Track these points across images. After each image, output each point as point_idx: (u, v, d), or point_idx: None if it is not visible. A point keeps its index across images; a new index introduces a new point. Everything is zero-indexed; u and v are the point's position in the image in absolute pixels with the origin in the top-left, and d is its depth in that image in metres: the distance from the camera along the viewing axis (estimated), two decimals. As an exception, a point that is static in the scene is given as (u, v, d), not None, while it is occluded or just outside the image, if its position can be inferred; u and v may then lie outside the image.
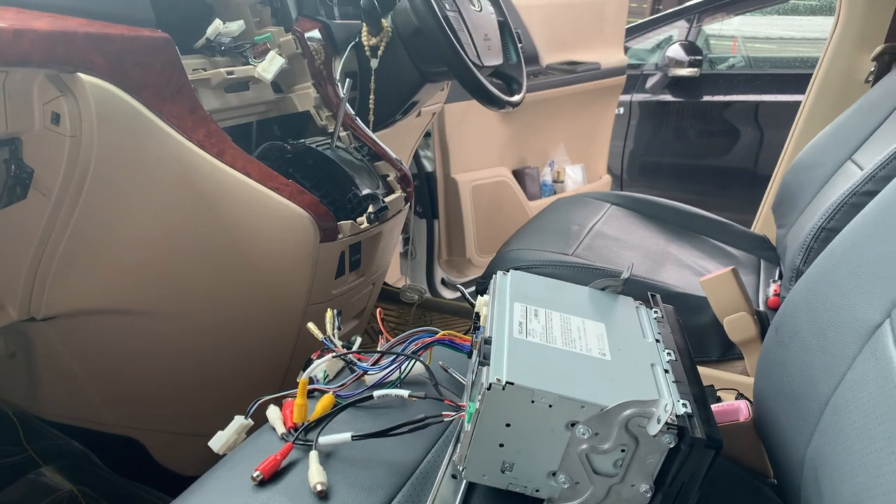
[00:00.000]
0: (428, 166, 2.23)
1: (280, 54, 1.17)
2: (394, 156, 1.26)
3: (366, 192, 1.12)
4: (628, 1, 2.77)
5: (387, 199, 1.14)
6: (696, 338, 1.17)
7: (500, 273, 0.81)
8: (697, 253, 1.51)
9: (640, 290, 1.26)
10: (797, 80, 3.44)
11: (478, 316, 0.78)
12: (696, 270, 1.41)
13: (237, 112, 1.15)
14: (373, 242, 1.14)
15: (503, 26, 1.56)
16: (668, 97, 3.55)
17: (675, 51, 3.42)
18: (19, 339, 1.14)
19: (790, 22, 4.41)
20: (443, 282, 2.38)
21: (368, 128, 1.43)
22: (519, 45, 1.60)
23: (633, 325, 0.75)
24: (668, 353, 0.70)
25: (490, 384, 0.59)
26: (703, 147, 3.54)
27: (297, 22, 1.27)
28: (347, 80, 1.16)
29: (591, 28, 2.60)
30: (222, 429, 0.75)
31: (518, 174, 2.45)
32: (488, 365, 0.63)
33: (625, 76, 2.75)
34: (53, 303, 1.00)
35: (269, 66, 1.12)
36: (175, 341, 1.07)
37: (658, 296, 0.81)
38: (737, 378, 1.14)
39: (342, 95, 1.16)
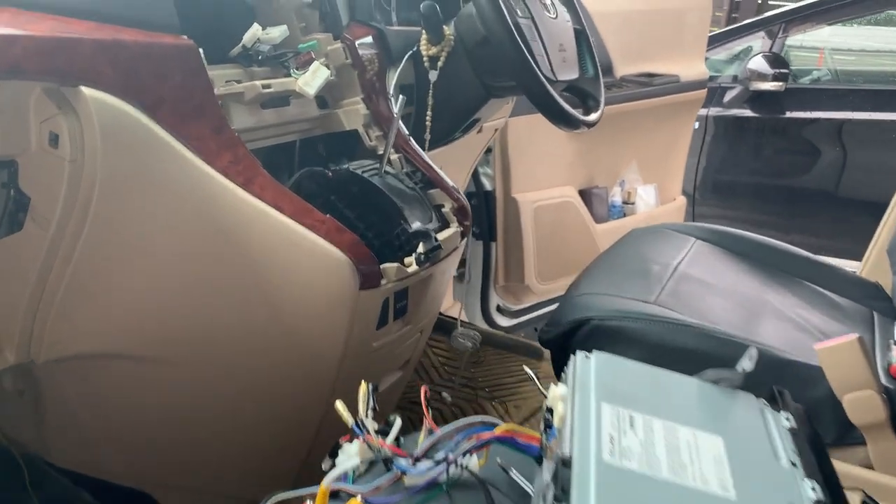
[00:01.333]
0: (487, 184, 2.06)
1: (326, 65, 1.02)
2: (450, 183, 1.10)
3: (416, 227, 0.96)
4: (712, 9, 2.55)
5: (440, 236, 0.98)
6: (811, 415, 0.97)
7: (580, 355, 0.63)
8: (798, 301, 1.30)
9: (737, 352, 1.07)
10: (893, 96, 3.16)
11: (550, 411, 0.61)
12: (798, 325, 1.20)
13: (275, 130, 1.01)
14: (422, 286, 0.97)
15: (580, 35, 1.38)
16: (748, 112, 3.30)
17: (758, 63, 3.16)
18: (27, 378, 1.02)
19: (885, 34, 4.08)
20: (498, 308, 2.21)
21: (424, 147, 1.27)
22: (596, 57, 1.42)
23: (759, 441, 0.56)
24: (812, 488, 0.51)
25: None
26: (783, 166, 3.29)
27: (348, 28, 1.12)
28: (401, 96, 1.00)
29: (670, 38, 2.39)
30: (237, 491, 0.60)
31: (585, 194, 2.26)
32: (567, 502, 0.46)
33: (705, 90, 2.52)
34: (55, 346, 0.87)
35: (313, 80, 0.98)
36: (190, 392, 0.92)
37: (787, 394, 0.63)
38: (859, 472, 0.93)
39: (395, 113, 1.00)
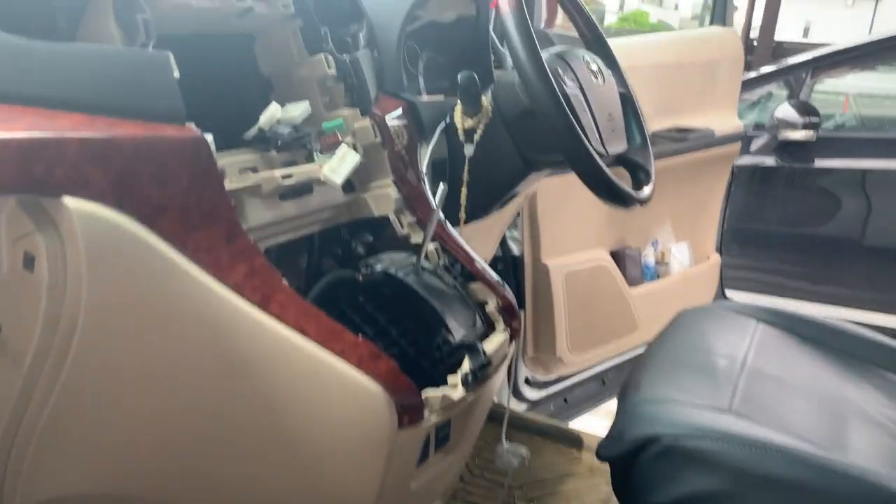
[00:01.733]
0: (514, 249, 1.92)
1: (354, 146, 0.90)
2: (495, 277, 0.96)
3: (460, 337, 0.82)
4: (744, 59, 2.44)
5: (488, 347, 0.84)
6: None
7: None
8: (883, 399, 1.14)
9: (830, 480, 0.91)
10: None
11: None
12: (891, 431, 1.04)
13: (295, 223, 0.88)
14: (468, 409, 0.83)
15: (625, 100, 1.25)
16: (776, 161, 3.19)
17: (786, 111, 3.05)
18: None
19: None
20: (527, 381, 2.05)
21: (458, 225, 1.14)
22: (645, 124, 1.29)
23: None
24: None
25: None
26: (809, 214, 3.17)
27: (376, 102, 1.00)
28: (442, 185, 0.87)
29: (702, 90, 2.28)
30: None
31: (617, 256, 2.12)
32: None
33: (739, 143, 2.40)
34: (33, 491, 0.73)
35: (340, 166, 0.84)
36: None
37: None
38: None
39: (434, 204, 0.87)
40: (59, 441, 0.68)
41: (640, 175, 1.21)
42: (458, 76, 1.04)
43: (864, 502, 0.87)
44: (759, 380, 1.09)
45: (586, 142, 1.00)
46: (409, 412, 0.70)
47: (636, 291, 2.10)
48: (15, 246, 0.60)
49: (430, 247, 0.94)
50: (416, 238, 0.97)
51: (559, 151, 1.03)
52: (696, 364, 1.12)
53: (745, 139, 3.22)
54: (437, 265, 0.92)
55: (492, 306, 0.93)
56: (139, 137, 0.63)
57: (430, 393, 0.74)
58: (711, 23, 2.43)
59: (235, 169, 0.81)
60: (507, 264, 1.90)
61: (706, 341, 1.21)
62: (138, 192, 0.62)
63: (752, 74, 3.22)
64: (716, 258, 2.50)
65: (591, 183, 1.03)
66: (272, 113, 0.84)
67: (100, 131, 0.61)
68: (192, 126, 0.70)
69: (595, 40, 1.26)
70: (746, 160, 3.14)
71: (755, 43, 5.99)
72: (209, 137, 0.74)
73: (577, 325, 1.94)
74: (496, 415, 1.45)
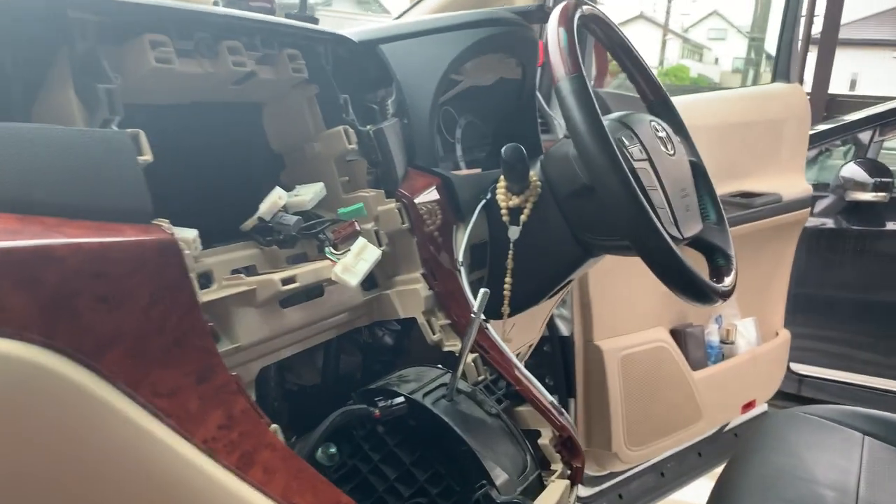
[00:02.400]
0: (563, 329, 1.72)
1: (377, 234, 0.73)
2: (549, 399, 0.77)
3: (504, 492, 0.63)
4: (810, 117, 2.24)
5: (543, 500, 0.64)
6: None
7: None
8: None
9: None
10: None
11: None
12: None
13: (300, 334, 0.71)
14: (517, 586, 0.63)
15: (697, 171, 1.08)
16: (844, 224, 2.97)
17: (853, 170, 2.85)
18: None
19: None
20: (578, 478, 1.82)
21: (500, 319, 0.96)
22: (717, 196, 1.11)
23: None
24: None
25: None
26: (879, 279, 2.95)
27: (406, 179, 0.84)
28: (483, 290, 0.70)
29: (768, 151, 2.09)
30: None
31: (677, 335, 1.90)
32: None
33: (809, 209, 2.19)
34: None
35: (356, 264, 0.68)
36: None
37: None
38: None
39: (474, 311, 0.69)
40: None
41: (718, 260, 1.02)
42: (503, 150, 0.87)
43: None
44: (881, 522, 0.87)
45: (659, 224, 0.82)
46: None
47: (700, 375, 1.87)
48: None
49: (469, 359, 0.76)
50: (450, 345, 0.80)
51: (625, 236, 0.85)
52: (797, 499, 0.90)
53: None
54: (477, 386, 0.74)
55: (546, 438, 0.74)
56: (84, 245, 0.48)
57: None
58: (774, 79, 2.25)
59: (227, 269, 0.65)
60: (555, 345, 1.71)
61: (805, 464, 1.00)
62: (77, 321, 0.46)
63: (816, 130, 3.02)
64: (785, 334, 2.26)
65: (666, 275, 0.85)
66: (275, 198, 0.68)
67: (27, 240, 0.46)
68: (162, 224, 0.54)
69: (660, 103, 1.09)
70: (809, 222, 2.92)
71: (808, 97, 5.79)
72: (191, 234, 0.59)
73: (635, 416, 1.72)
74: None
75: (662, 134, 0.97)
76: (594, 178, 0.81)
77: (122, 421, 0.47)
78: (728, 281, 0.97)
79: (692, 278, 0.86)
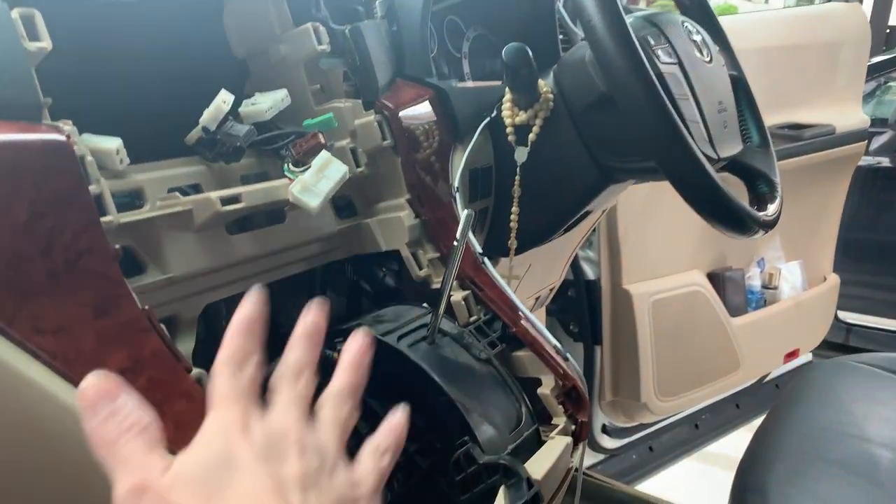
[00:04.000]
0: (589, 272, 1.60)
1: (354, 152, 0.62)
2: (553, 342, 0.66)
3: (488, 450, 0.52)
4: (871, 41, 2.03)
5: (536, 469, 0.54)
6: None
7: None
8: None
9: None
10: None
11: None
12: None
13: (257, 266, 0.60)
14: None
15: (738, 85, 0.93)
16: (899, 161, 2.78)
17: (915, 104, 2.62)
18: None
19: None
20: (604, 429, 1.73)
21: (509, 256, 0.85)
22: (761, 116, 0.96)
23: None
24: None
25: None
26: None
27: (389, 88, 0.72)
28: (465, 211, 0.58)
29: (822, 78, 1.90)
30: None
31: (715, 279, 1.76)
32: None
33: (865, 142, 2.00)
34: None
35: (318, 183, 0.57)
36: None
37: None
38: None
39: (457, 237, 0.58)
40: None
41: (760, 187, 0.88)
42: (504, 50, 0.74)
43: None
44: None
45: (691, 141, 0.68)
46: None
47: (739, 322, 1.75)
48: None
49: (458, 296, 0.65)
50: (439, 281, 0.68)
51: (650, 155, 0.72)
52: (845, 459, 0.78)
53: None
54: (467, 327, 0.63)
55: (547, 388, 0.63)
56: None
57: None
58: (827, -3, 2.04)
59: (163, 187, 0.54)
60: (580, 289, 1.59)
61: (855, 419, 0.87)
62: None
63: (876, 60, 2.79)
64: (834, 279, 2.10)
65: (698, 200, 0.72)
66: (219, 103, 0.57)
67: None
68: (62, 125, 0.44)
69: (698, 7, 0.93)
70: (863, 160, 2.73)
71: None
72: (113, 144, 0.49)
73: (667, 365, 1.61)
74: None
75: (697, 38, 0.82)
76: (613, 83, 0.68)
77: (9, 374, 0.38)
78: (772, 209, 0.84)
79: (729, 204, 0.73)
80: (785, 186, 1.84)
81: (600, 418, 1.69)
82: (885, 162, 2.82)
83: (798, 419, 0.89)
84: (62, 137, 0.43)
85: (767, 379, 2.06)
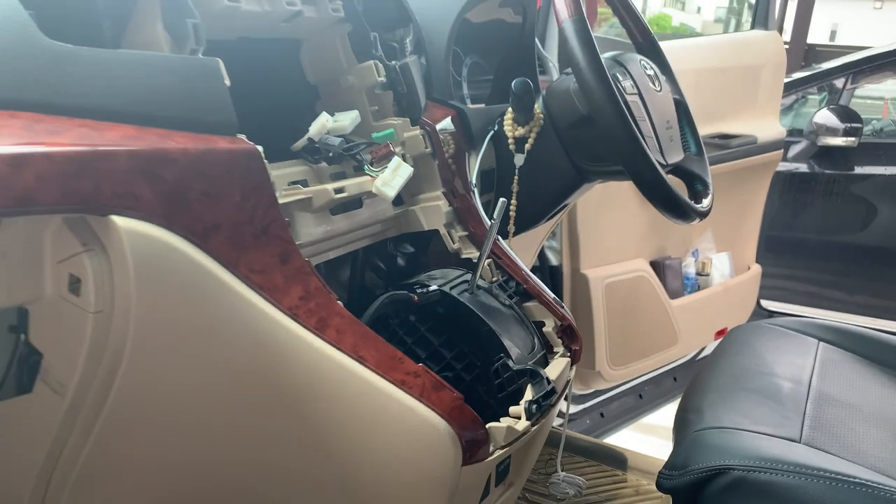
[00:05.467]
0: (552, 259, 1.86)
1: (406, 158, 0.85)
2: (552, 295, 0.91)
3: (519, 362, 0.77)
4: (786, 63, 2.36)
5: (551, 373, 0.78)
6: None
7: None
8: (960, 425, 1.07)
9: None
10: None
11: None
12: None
13: (344, 239, 0.83)
14: (529, 442, 0.77)
15: (680, 107, 1.20)
16: (815, 168, 3.11)
17: (825, 117, 2.97)
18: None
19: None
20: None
21: (507, 238, 1.09)
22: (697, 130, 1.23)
23: None
24: None
25: None
26: (845, 222, 3.11)
27: (426, 110, 0.95)
28: (502, 201, 0.82)
29: (745, 96, 2.21)
30: None
31: (657, 266, 2.05)
32: None
33: (781, 150, 2.32)
34: (71, 523, 0.69)
35: (393, 179, 0.80)
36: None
37: None
38: None
39: (493, 219, 0.82)
40: (100, 476, 0.64)
41: (697, 186, 1.15)
42: (513, 83, 0.99)
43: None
44: (827, 405, 1.02)
45: (648, 151, 0.94)
46: (474, 447, 0.65)
47: (677, 303, 2.03)
48: (59, 268, 0.56)
49: (485, 262, 0.89)
50: (468, 253, 0.92)
51: (619, 161, 0.97)
52: (759, 387, 1.06)
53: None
54: (492, 283, 0.87)
55: (549, 327, 0.87)
56: (190, 150, 0.59)
57: (495, 426, 0.69)
58: (753, 26, 2.36)
59: (285, 182, 0.76)
60: (545, 274, 1.85)
61: (766, 361, 1.15)
62: (189, 209, 0.58)
63: (792, 77, 3.14)
64: (756, 269, 2.43)
65: (653, 195, 0.98)
66: (323, 123, 0.79)
67: (149, 144, 0.57)
68: (243, 138, 0.66)
69: (648, 45, 1.20)
70: (782, 166, 3.06)
71: (787, 46, 5.89)
72: (260, 149, 0.70)
73: (617, 338, 1.88)
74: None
75: (651, 72, 1.09)
76: (593, 108, 0.93)
77: (228, 290, 0.59)
78: (705, 203, 1.10)
79: (675, 198, 0.99)
80: (715, 187, 2.16)
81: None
82: (801, 167, 3.14)
83: (724, 364, 1.17)
84: (254, 147, 0.65)
85: (700, 356, 2.37)
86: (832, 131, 2.93)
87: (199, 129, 0.62)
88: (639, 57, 1.09)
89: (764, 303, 2.81)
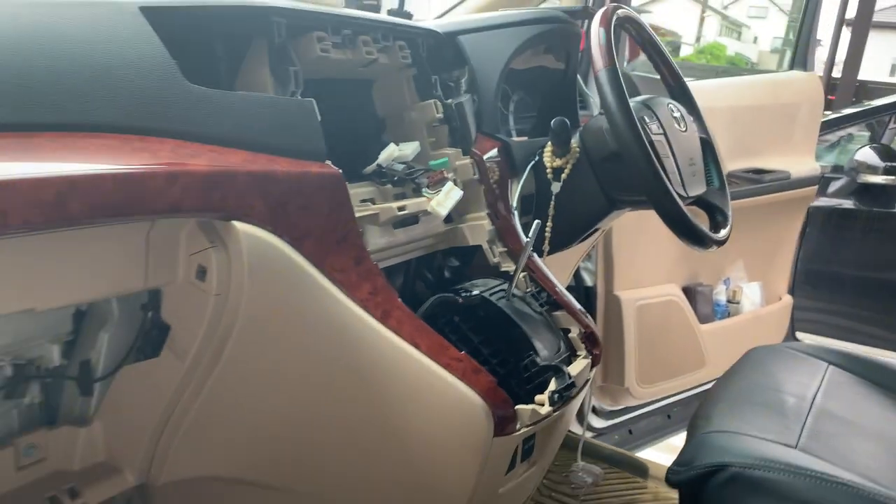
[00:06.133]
0: (588, 280, 1.99)
1: (456, 183, 1.00)
2: (578, 306, 1.05)
3: (545, 359, 0.91)
4: (824, 103, 2.45)
5: (572, 370, 0.92)
6: None
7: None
8: (955, 447, 1.16)
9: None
10: None
11: None
12: (961, 478, 1.07)
13: (402, 249, 0.99)
14: (551, 425, 0.91)
15: (706, 145, 1.33)
16: (855, 205, 3.15)
17: (867, 154, 3.03)
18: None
19: None
20: (594, 410, 2.11)
21: (542, 257, 1.23)
22: (723, 168, 1.36)
23: None
24: None
25: None
26: (887, 260, 3.12)
27: (476, 142, 1.11)
28: (536, 222, 0.97)
29: (780, 133, 2.31)
30: None
31: (689, 292, 2.16)
32: None
33: (816, 187, 2.41)
34: (176, 468, 0.85)
35: (446, 200, 0.95)
36: (306, 526, 0.88)
37: None
38: None
39: (527, 238, 0.96)
40: (205, 426, 0.80)
41: (717, 217, 1.28)
42: (552, 122, 1.13)
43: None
44: (827, 420, 1.13)
45: (668, 184, 1.07)
46: (504, 423, 0.80)
47: (706, 328, 2.14)
48: (191, 259, 0.73)
49: (520, 275, 1.03)
50: (506, 267, 1.07)
51: (643, 192, 1.11)
52: (765, 401, 1.17)
53: (822, 181, 3.20)
54: (526, 293, 1.01)
55: (574, 333, 1.01)
56: (291, 173, 0.75)
57: (522, 407, 0.83)
58: (792, 66, 2.46)
59: (357, 200, 0.92)
60: (581, 295, 1.98)
61: (776, 380, 1.26)
62: (289, 218, 0.74)
63: (833, 115, 3.21)
64: (788, 299, 2.51)
65: (672, 223, 1.11)
66: (390, 152, 0.95)
67: (261, 167, 0.73)
68: (329, 163, 0.82)
69: (679, 89, 1.34)
70: (823, 202, 3.12)
71: (837, 82, 5.89)
72: (341, 173, 0.86)
73: (647, 358, 1.99)
74: (568, 440, 1.53)
75: (677, 115, 1.22)
76: (622, 146, 1.07)
77: (315, 283, 0.75)
78: (723, 233, 1.23)
79: (692, 226, 1.12)
80: (747, 220, 2.27)
81: (591, 401, 2.07)
82: (842, 203, 3.18)
83: (737, 379, 1.28)
84: (338, 171, 0.81)
85: (729, 380, 2.44)
86: (872, 169, 2.98)
87: (297, 156, 0.78)
88: (667, 101, 1.23)
89: (800, 335, 2.87)
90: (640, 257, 1.99)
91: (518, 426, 0.82)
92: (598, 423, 2.12)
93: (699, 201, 1.28)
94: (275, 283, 0.73)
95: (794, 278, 3.16)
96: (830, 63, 6.30)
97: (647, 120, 1.13)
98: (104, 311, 0.82)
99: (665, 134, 1.15)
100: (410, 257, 1.02)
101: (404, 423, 0.79)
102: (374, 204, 0.93)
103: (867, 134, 3.45)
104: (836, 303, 3.17)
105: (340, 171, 0.81)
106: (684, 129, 1.23)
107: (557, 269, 1.59)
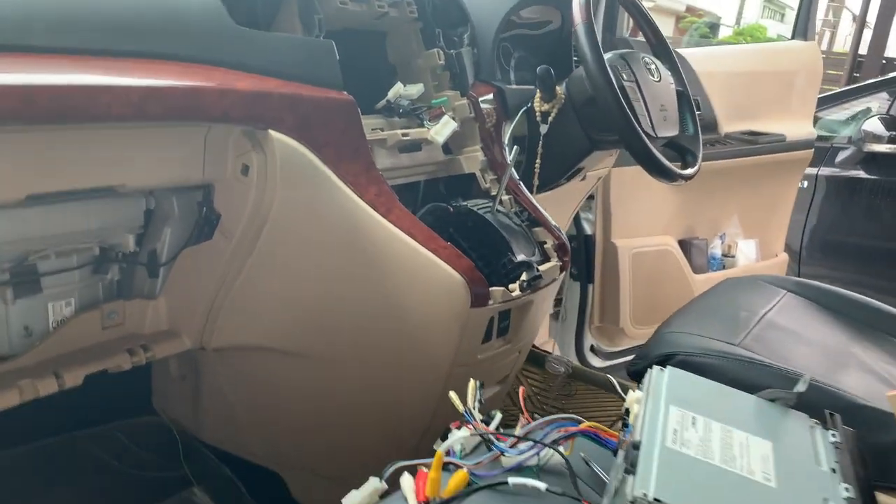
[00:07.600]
0: (588, 228, 2.18)
1: (453, 118, 1.20)
2: (553, 223, 1.24)
3: (520, 258, 1.11)
4: (822, 71, 2.58)
5: (542, 268, 1.12)
6: (880, 459, 1.03)
7: (656, 369, 0.76)
8: (887, 357, 1.34)
9: (815, 396, 1.13)
10: None
11: (627, 412, 0.73)
12: (882, 378, 1.24)
13: (407, 171, 1.19)
14: (523, 310, 1.12)
15: (681, 96, 1.50)
16: (861, 173, 3.25)
17: (874, 125, 3.14)
18: (191, 365, 1.24)
19: None
20: (592, 349, 2.30)
21: (532, 192, 1.43)
22: (698, 116, 1.54)
23: (805, 449, 0.66)
24: (846, 489, 0.61)
25: (635, 498, 0.55)
26: (889, 227, 3.20)
27: (473, 87, 1.30)
28: (515, 147, 1.16)
29: (777, 98, 2.45)
30: (356, 477, 0.76)
31: (685, 245, 2.33)
32: (634, 474, 0.58)
33: (812, 150, 2.55)
34: (222, 336, 1.08)
35: (442, 130, 1.15)
36: (321, 386, 1.10)
37: (838, 416, 0.72)
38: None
39: (508, 160, 1.16)
40: (245, 298, 1.03)
41: (687, 157, 1.46)
42: (538, 69, 1.33)
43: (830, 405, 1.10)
44: (772, 329, 1.32)
45: (636, 124, 1.26)
46: (478, 297, 1.00)
47: (700, 277, 2.31)
48: (237, 159, 0.95)
49: (506, 197, 1.23)
50: (495, 192, 1.27)
51: (614, 131, 1.30)
52: (722, 313, 1.36)
53: (832, 151, 3.32)
54: (510, 211, 1.21)
55: (549, 245, 1.21)
56: (315, 96, 0.96)
57: (495, 289, 1.04)
58: (793, 36, 2.59)
59: (369, 128, 1.13)
60: (580, 241, 2.17)
61: (737, 300, 1.45)
62: (312, 131, 0.95)
63: (846, 88, 3.31)
64: (784, 257, 2.66)
65: (639, 158, 1.29)
66: (397, 90, 1.16)
67: (292, 90, 0.95)
68: (345, 93, 1.03)
69: (659, 47, 1.52)
70: (832, 171, 3.24)
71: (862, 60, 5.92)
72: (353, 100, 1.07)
73: (641, 301, 2.17)
74: (541, 358, 1.72)
75: (651, 66, 1.40)
76: (595, 90, 1.26)
77: (332, 183, 0.96)
78: (690, 171, 1.41)
79: (658, 161, 1.30)
80: (743, 180, 2.43)
81: (589, 340, 2.26)
82: (849, 173, 3.27)
83: (702, 299, 1.47)
84: (352, 99, 1.01)
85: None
86: (878, 138, 3.09)
87: (319, 84, 0.99)
88: (643, 55, 1.41)
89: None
90: (638, 210, 2.17)
91: (491, 302, 1.03)
92: (597, 362, 2.31)
93: (672, 144, 1.47)
94: (301, 180, 0.94)
95: (802, 240, 3.29)
96: (857, 42, 6.32)
97: (620, 69, 1.32)
98: (167, 210, 1.05)
99: (637, 82, 1.34)
100: (415, 179, 1.22)
101: (401, 296, 1.01)
102: (382, 131, 1.14)
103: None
104: (842, 269, 3.28)
105: (353, 98, 1.01)
106: (658, 79, 1.41)
107: (557, 214, 1.79)
